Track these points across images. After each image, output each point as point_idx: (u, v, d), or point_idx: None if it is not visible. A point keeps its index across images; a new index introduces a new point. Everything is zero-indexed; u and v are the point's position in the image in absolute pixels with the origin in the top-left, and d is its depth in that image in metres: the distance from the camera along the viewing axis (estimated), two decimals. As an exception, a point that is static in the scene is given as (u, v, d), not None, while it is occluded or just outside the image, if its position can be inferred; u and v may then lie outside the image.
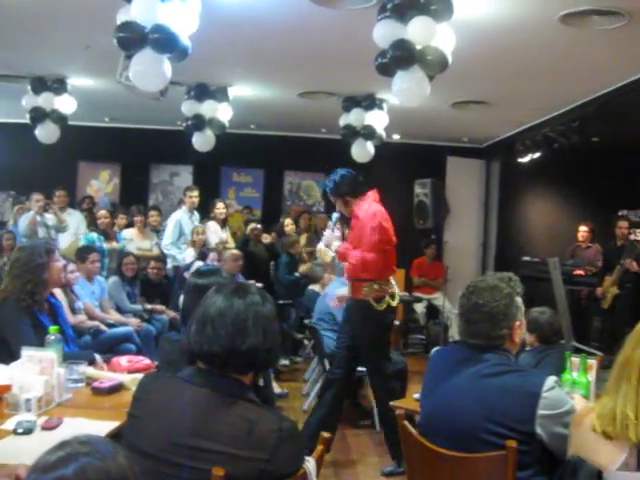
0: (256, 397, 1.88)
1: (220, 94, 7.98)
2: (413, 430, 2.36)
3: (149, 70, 4.87)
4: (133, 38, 4.69)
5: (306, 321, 6.33)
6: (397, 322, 8.84)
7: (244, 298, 1.93)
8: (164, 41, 4.63)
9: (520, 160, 9.80)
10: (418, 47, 4.86)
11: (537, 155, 9.45)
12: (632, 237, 8.74)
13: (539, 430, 2.21)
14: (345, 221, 4.99)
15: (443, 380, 2.43)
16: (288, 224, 9.04)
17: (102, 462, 1.29)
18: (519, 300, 2.50)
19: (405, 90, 5.04)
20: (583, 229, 9.50)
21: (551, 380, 2.27)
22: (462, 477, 2.20)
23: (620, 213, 9.72)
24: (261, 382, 2.21)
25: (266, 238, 8.83)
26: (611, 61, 6.44)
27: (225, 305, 1.90)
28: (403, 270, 10.46)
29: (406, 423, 2.38)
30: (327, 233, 4.95)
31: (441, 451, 2.24)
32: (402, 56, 4.83)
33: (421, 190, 10.42)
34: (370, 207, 4.86)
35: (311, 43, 6.28)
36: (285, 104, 8.92)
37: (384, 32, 4.87)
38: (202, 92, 7.88)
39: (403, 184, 10.93)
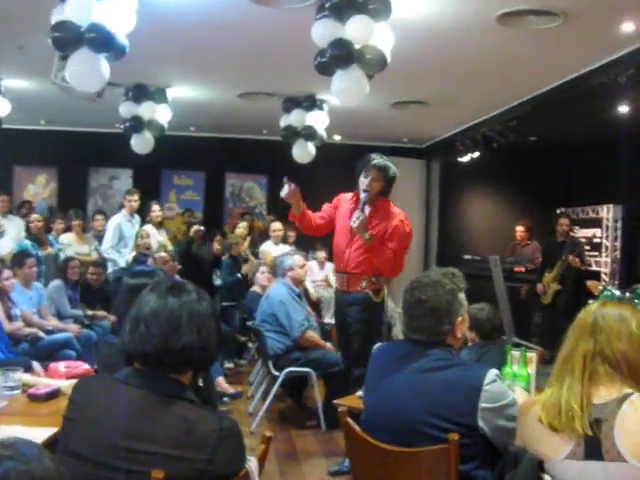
0: (196, 397, 1.85)
1: (159, 95, 7.88)
2: (356, 427, 2.35)
3: (86, 70, 4.76)
4: (68, 38, 4.59)
5: (249, 323, 6.28)
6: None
7: (179, 296, 1.89)
8: (100, 40, 4.54)
9: (460, 160, 9.95)
10: (357, 46, 4.87)
11: (476, 155, 9.61)
12: (572, 234, 8.93)
13: (481, 423, 2.23)
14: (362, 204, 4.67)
15: (386, 376, 2.43)
16: (240, 227, 8.98)
17: (26, 465, 1.25)
18: (462, 296, 2.52)
19: (344, 89, 5.05)
20: (519, 229, 9.69)
21: (492, 373, 2.29)
22: (406, 472, 2.20)
23: (559, 210, 9.93)
24: (201, 382, 2.17)
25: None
26: (547, 61, 6.57)
27: (159, 304, 1.86)
28: (346, 270, 10.49)
29: (349, 420, 2.37)
30: (357, 214, 4.54)
31: (384, 447, 2.23)
32: (341, 55, 4.83)
33: (363, 190, 10.44)
34: (397, 209, 4.83)
35: (251, 43, 6.23)
36: (225, 105, 8.86)
37: (322, 31, 4.86)
38: (140, 93, 7.76)
39: (345, 185, 10.90)
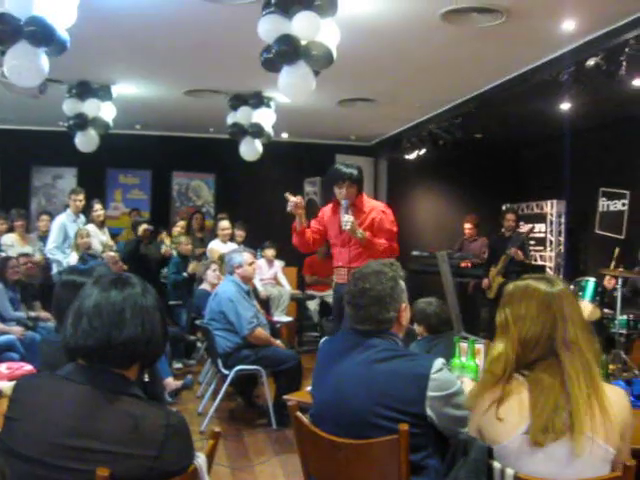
0: (142, 393, 1.81)
1: (103, 92, 7.75)
2: (306, 420, 2.34)
3: (25, 65, 4.66)
4: (7, 31, 4.48)
5: (198, 322, 6.22)
6: (291, 319, 8.90)
7: (122, 289, 1.85)
8: (40, 34, 4.46)
9: (407, 157, 10.01)
10: (303, 42, 4.87)
11: (423, 151, 9.68)
12: (519, 229, 9.07)
13: (429, 412, 2.24)
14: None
15: (333, 368, 2.43)
16: (178, 226, 8.89)
17: None
18: (403, 284, 2.54)
19: (291, 85, 5.04)
20: (467, 225, 9.80)
21: (439, 362, 2.31)
22: (356, 464, 2.20)
23: (506, 206, 10.07)
24: (147, 377, 2.13)
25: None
26: (491, 58, 6.67)
27: (101, 297, 1.82)
28: (295, 268, 10.50)
29: (299, 414, 2.35)
30: (346, 217, 4.88)
31: (334, 439, 2.22)
32: (287, 51, 4.82)
33: (311, 188, 10.50)
34: (373, 202, 5.28)
35: (197, 39, 6.18)
36: (171, 103, 8.76)
37: (269, 27, 4.84)
38: (84, 90, 7.62)
39: (293, 182, 10.94)
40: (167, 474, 1.73)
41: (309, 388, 3.36)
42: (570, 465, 1.89)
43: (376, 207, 5.21)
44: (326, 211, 5.38)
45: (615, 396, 2.01)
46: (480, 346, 3.20)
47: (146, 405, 1.78)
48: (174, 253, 8.50)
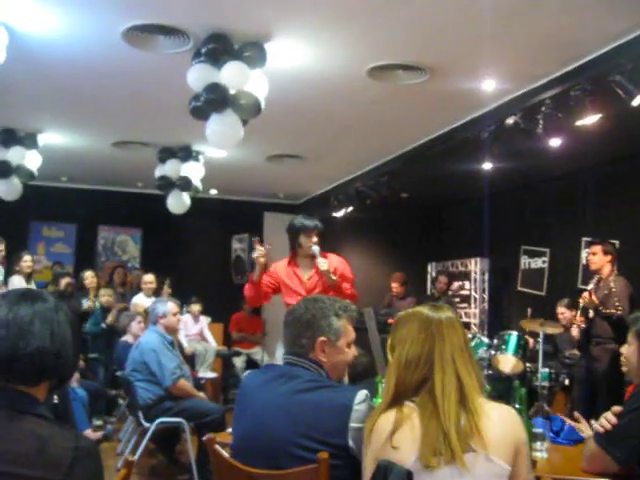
0: (50, 415, 1.72)
1: (29, 140, 7.62)
2: (224, 452, 2.28)
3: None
4: None
5: (119, 373, 6.05)
6: (216, 375, 8.75)
7: (32, 303, 1.77)
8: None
9: (335, 214, 10.10)
10: (232, 91, 4.93)
11: (350, 210, 9.78)
12: (450, 292, 9.21)
13: (351, 443, 2.21)
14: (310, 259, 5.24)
15: (255, 400, 2.39)
16: (88, 277, 8.65)
17: None
18: (338, 322, 2.50)
19: (219, 133, 5.07)
20: (394, 284, 9.89)
21: (362, 394, 2.29)
22: (275, 496, 2.14)
23: (438, 269, 10.21)
24: (56, 399, 2.03)
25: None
26: (416, 117, 6.86)
27: (10, 309, 1.74)
28: (221, 324, 10.40)
29: (216, 447, 2.29)
30: (321, 260, 5.10)
31: (252, 470, 2.17)
32: (215, 99, 4.88)
33: (239, 245, 10.48)
34: (329, 253, 5.38)
35: (126, 88, 6.17)
36: (99, 154, 8.67)
37: (198, 75, 4.90)
38: (9, 137, 7.49)
39: (221, 239, 10.94)
40: None
41: (230, 430, 3.31)
42: (472, 474, 1.89)
43: (335, 257, 5.41)
44: (279, 266, 5.38)
45: (503, 410, 2.03)
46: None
47: (54, 426, 1.69)
48: (96, 305, 8.29)
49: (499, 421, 1.97)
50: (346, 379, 4.13)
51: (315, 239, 5.25)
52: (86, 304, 8.31)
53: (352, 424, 2.22)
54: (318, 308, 2.49)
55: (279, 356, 7.47)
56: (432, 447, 1.90)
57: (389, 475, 1.91)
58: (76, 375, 5.70)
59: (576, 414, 3.09)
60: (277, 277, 5.31)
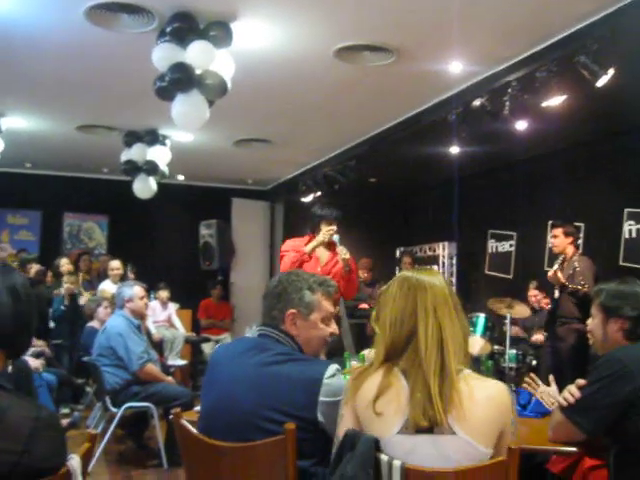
0: (9, 384, 1.68)
1: (-10, 125, 7.49)
2: (190, 427, 2.25)
3: None
4: None
5: (85, 358, 5.97)
6: (185, 362, 8.70)
7: (2, 274, 1.75)
8: None
9: (303, 200, 10.07)
10: (197, 71, 4.87)
11: (318, 194, 9.75)
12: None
13: (320, 417, 2.19)
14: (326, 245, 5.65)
15: (224, 371, 2.36)
16: (64, 264, 8.55)
17: None
18: (311, 296, 2.47)
19: (184, 114, 5.01)
20: (361, 271, 9.88)
21: (332, 368, 2.27)
22: (242, 469, 2.11)
23: (401, 250, 10.25)
24: (10, 369, 1.99)
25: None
26: (383, 100, 6.85)
27: None
28: (189, 311, 10.34)
29: (183, 421, 2.26)
30: (342, 248, 5.51)
31: (218, 444, 2.13)
32: (181, 79, 4.81)
33: (207, 231, 10.41)
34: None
35: (90, 70, 6.07)
36: (63, 139, 8.54)
37: (163, 55, 4.84)
38: (-31, 123, 7.35)
39: (189, 225, 10.87)
40: (34, 471, 1.60)
41: (197, 408, 3.28)
42: (450, 456, 1.88)
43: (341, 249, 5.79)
44: (297, 246, 5.74)
45: (494, 388, 2.00)
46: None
47: (12, 396, 1.65)
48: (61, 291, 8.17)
49: (486, 405, 1.93)
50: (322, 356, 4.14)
51: (335, 228, 5.63)
52: (61, 290, 8.19)
53: (322, 398, 2.20)
54: (291, 281, 2.48)
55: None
56: (422, 407, 1.88)
57: (357, 443, 1.90)
58: (41, 360, 5.60)
59: (550, 377, 3.10)
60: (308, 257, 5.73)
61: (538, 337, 7.60)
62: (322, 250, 5.69)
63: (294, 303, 2.44)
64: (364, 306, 9.28)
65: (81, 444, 5.10)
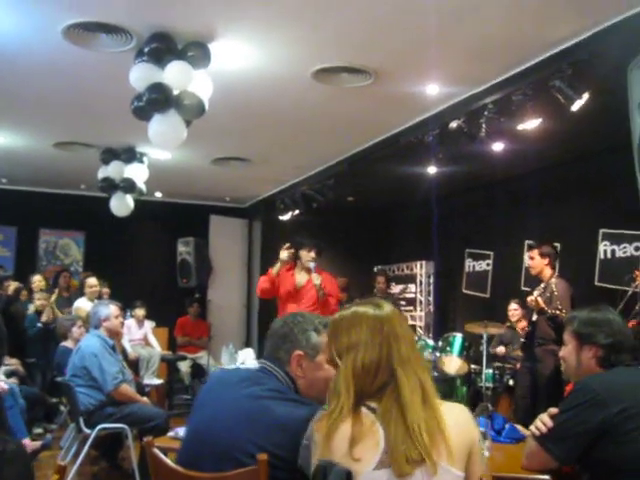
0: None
1: (-34, 141, 7.42)
2: (162, 456, 2.22)
3: None
4: None
5: (59, 379, 5.89)
6: (161, 381, 8.62)
7: None
8: None
9: (281, 218, 10.08)
10: (175, 91, 4.88)
11: (297, 212, 9.77)
12: (390, 291, 9.22)
13: (300, 460, 2.16)
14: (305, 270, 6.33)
15: (216, 397, 2.33)
16: (35, 281, 8.46)
17: None
18: (316, 338, 2.43)
19: (161, 134, 5.01)
20: None
21: (320, 414, 2.24)
22: (214, 500, 2.09)
23: (377, 268, 10.28)
24: None
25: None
26: (361, 120, 6.89)
27: None
28: (166, 329, 10.28)
29: (155, 450, 2.24)
30: (316, 276, 6.23)
31: (191, 474, 2.11)
32: (158, 99, 4.81)
33: (184, 248, 10.37)
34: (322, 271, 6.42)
35: (67, 87, 6.04)
36: (40, 155, 8.48)
37: (140, 75, 4.84)
38: (-56, 138, 7.27)
39: (166, 242, 10.82)
40: None
41: (171, 434, 3.26)
42: None
43: (327, 275, 6.40)
44: (281, 269, 6.40)
45: (457, 411, 2.00)
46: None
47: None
48: (31, 309, 8.08)
49: (455, 424, 1.93)
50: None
51: (313, 255, 6.27)
52: (32, 307, 8.11)
53: (305, 441, 2.17)
54: (297, 322, 2.43)
55: (225, 361, 7.45)
56: (403, 454, 1.84)
57: (329, 474, 1.88)
58: (12, 379, 5.51)
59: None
60: (276, 278, 6.37)
61: (518, 353, 7.61)
62: (302, 274, 6.33)
63: (301, 345, 2.40)
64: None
65: (53, 466, 5.05)
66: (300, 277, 6.35)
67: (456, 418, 1.97)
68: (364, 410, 1.94)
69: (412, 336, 2.07)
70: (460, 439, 1.93)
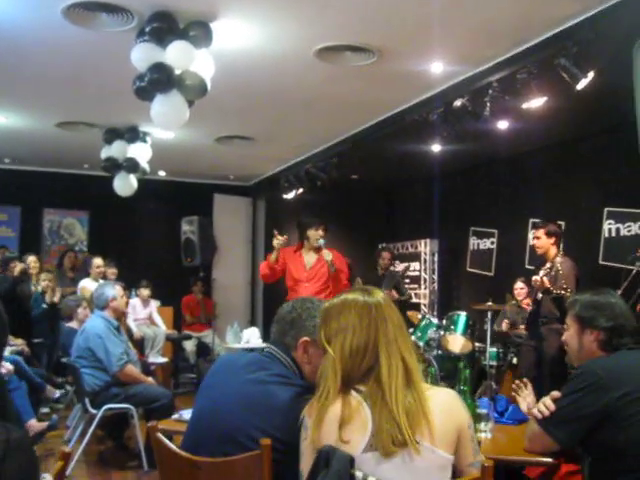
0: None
1: (-31, 122, 7.40)
2: (166, 440, 2.23)
3: None
4: None
5: (64, 359, 5.92)
6: (166, 360, 8.66)
7: None
8: None
9: (285, 196, 10.06)
10: (177, 71, 4.84)
11: (301, 191, 9.74)
12: (392, 268, 9.21)
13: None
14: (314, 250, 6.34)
15: (221, 381, 2.34)
16: (31, 262, 8.46)
17: None
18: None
19: (164, 114, 4.98)
20: None
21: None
22: (219, 484, 2.10)
23: (381, 246, 10.26)
24: None
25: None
26: (365, 98, 6.84)
27: None
28: (171, 308, 10.31)
29: (159, 435, 2.25)
30: (327, 252, 6.16)
31: (195, 458, 2.12)
32: (160, 79, 4.78)
33: (188, 227, 10.36)
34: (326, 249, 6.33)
35: (69, 67, 6.00)
36: (43, 135, 8.45)
37: (142, 55, 4.80)
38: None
39: (170, 221, 10.80)
40: None
41: (175, 416, 3.28)
42: (413, 473, 1.88)
43: (335, 252, 6.33)
44: (287, 251, 6.41)
45: (443, 395, 2.02)
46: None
47: (-16, 419, 1.64)
48: (38, 289, 8.09)
49: (441, 409, 1.96)
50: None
51: (321, 232, 6.25)
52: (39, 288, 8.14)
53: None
54: (305, 308, 2.42)
55: (230, 339, 7.48)
56: (389, 434, 1.88)
57: (332, 460, 1.89)
58: (8, 366, 5.50)
59: (524, 380, 3.09)
60: (284, 260, 6.35)
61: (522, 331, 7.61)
62: (310, 254, 6.33)
63: (308, 331, 2.38)
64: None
65: (60, 444, 5.07)
66: (308, 257, 6.37)
67: (442, 402, 1.99)
68: (352, 393, 1.97)
69: (401, 319, 2.07)
70: (446, 422, 1.95)
